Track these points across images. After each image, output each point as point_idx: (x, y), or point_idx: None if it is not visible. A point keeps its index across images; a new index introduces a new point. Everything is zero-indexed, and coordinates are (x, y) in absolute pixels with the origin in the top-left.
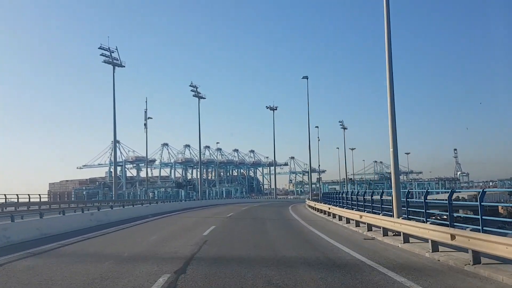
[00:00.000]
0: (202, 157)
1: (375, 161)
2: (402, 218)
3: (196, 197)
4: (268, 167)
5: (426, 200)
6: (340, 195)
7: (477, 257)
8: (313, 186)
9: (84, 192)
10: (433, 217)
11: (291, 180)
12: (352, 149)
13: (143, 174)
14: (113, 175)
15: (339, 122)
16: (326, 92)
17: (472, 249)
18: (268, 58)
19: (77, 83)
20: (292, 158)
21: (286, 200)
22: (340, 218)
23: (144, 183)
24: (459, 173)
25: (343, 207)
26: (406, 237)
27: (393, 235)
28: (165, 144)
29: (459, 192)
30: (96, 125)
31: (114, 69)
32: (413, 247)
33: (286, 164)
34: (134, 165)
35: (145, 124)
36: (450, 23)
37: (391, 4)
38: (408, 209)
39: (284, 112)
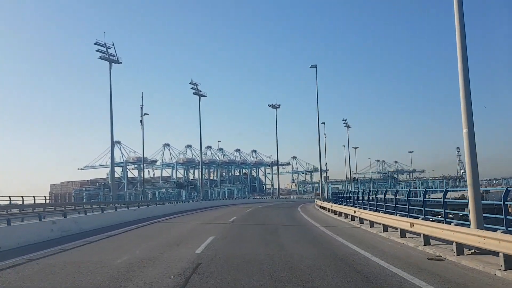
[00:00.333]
0: (203, 157)
1: (378, 160)
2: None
3: (197, 198)
4: (271, 167)
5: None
6: (361, 195)
7: None
8: (316, 185)
9: (84, 193)
10: None
11: (293, 179)
12: (355, 148)
13: (145, 174)
14: (111, 175)
15: (343, 120)
16: (326, 92)
17: None
18: (268, 57)
19: (78, 83)
20: (294, 157)
21: (291, 200)
22: (372, 224)
23: (145, 184)
24: (462, 171)
25: (377, 210)
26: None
27: (472, 253)
28: (167, 145)
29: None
30: (97, 126)
31: (110, 65)
32: None
33: (288, 164)
34: (136, 165)
35: (141, 121)
36: (450, 23)
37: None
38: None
39: (285, 111)
